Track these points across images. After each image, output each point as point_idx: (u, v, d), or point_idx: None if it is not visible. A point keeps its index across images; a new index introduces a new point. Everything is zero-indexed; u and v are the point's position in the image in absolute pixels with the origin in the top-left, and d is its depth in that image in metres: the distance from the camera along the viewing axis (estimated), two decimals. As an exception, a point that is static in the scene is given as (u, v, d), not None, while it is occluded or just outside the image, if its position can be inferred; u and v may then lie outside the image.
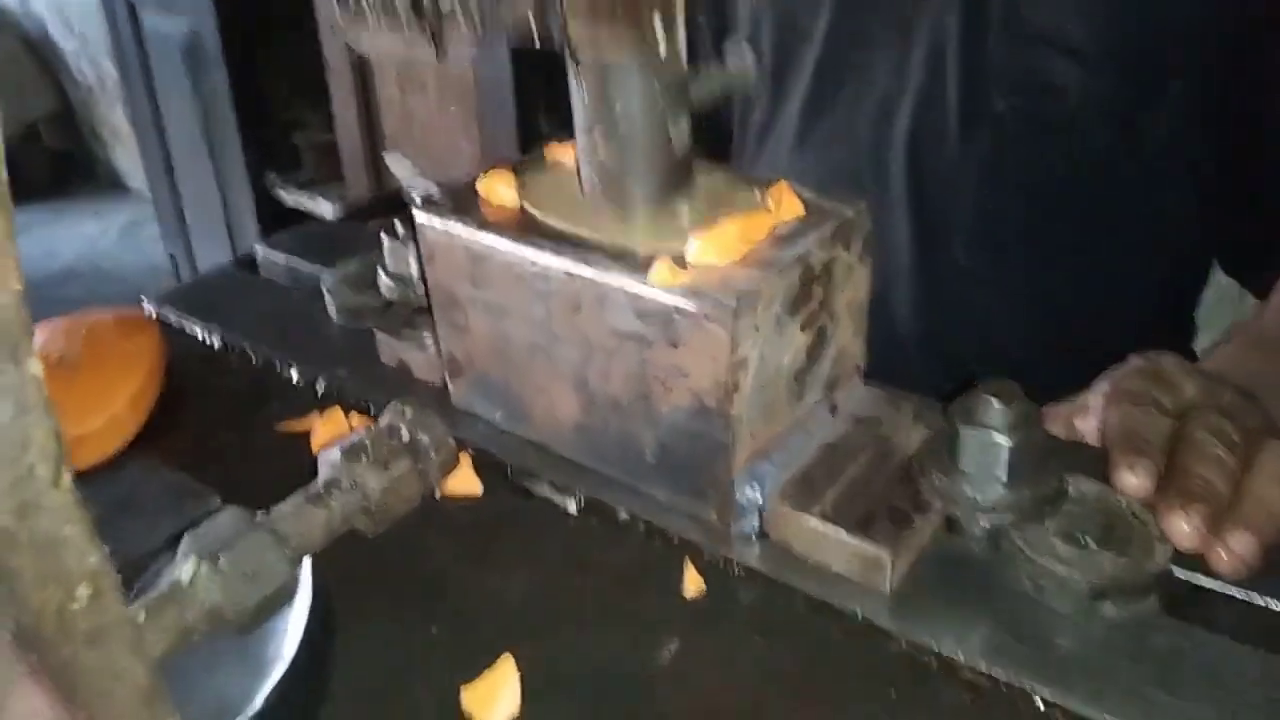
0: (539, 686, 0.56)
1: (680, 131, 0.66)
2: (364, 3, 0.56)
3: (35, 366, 0.27)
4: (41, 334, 0.82)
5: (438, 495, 0.66)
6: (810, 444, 0.69)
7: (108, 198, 4.49)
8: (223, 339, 0.91)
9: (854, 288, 0.71)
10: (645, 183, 0.67)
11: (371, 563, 0.64)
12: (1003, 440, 0.61)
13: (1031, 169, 0.94)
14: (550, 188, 0.73)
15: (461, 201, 0.73)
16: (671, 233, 0.66)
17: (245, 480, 0.75)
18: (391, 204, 0.85)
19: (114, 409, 0.78)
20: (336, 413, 0.78)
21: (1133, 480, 0.63)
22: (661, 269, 0.61)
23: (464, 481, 0.72)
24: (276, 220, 2.98)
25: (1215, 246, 1.03)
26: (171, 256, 3.55)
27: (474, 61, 2.35)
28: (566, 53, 0.63)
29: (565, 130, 0.71)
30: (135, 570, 0.61)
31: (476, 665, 0.57)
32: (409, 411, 0.59)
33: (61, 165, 4.56)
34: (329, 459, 0.56)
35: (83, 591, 0.31)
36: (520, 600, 0.64)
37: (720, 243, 0.63)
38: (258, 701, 0.53)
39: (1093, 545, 0.61)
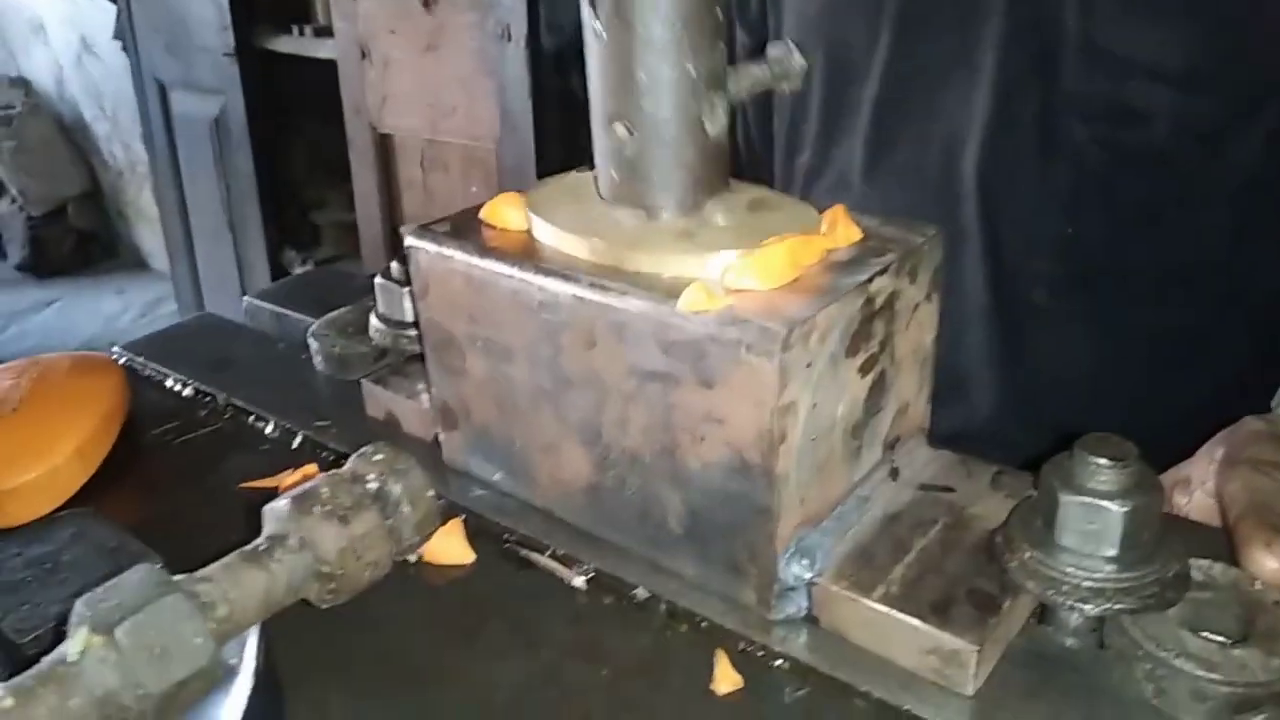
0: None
1: (716, 121, 0.56)
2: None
3: None
4: (-14, 375, 0.73)
5: (413, 559, 0.54)
6: (869, 513, 0.58)
7: (131, 277, 4.47)
8: (195, 388, 0.81)
9: (919, 328, 0.60)
10: (674, 179, 0.58)
11: (333, 645, 0.54)
12: (1114, 508, 0.49)
13: (1117, 200, 0.85)
14: (563, 196, 0.63)
15: (461, 227, 0.64)
16: (705, 242, 0.56)
17: (197, 543, 0.63)
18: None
19: (55, 460, 0.68)
20: (311, 469, 0.68)
21: (1272, 563, 0.51)
22: (695, 292, 0.51)
23: (453, 549, 0.61)
24: (292, 298, 2.92)
25: None
26: (187, 335, 3.50)
27: (497, 141, 2.31)
28: (590, 24, 0.54)
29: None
30: (40, 644, 0.50)
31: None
32: (380, 455, 0.48)
33: (87, 244, 4.56)
34: (274, 511, 0.45)
35: None
36: (514, 694, 0.54)
37: (765, 265, 0.53)
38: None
39: (1230, 641, 0.49)
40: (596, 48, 0.56)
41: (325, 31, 2.73)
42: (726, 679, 0.53)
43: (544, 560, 0.61)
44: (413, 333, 0.75)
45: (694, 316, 0.51)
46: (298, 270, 3.08)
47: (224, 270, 3.31)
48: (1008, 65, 0.83)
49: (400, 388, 0.74)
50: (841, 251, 0.57)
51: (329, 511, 0.44)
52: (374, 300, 0.80)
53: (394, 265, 0.79)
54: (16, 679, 0.38)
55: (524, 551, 0.62)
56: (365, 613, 0.54)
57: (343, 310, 0.85)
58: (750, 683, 0.53)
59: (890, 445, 0.61)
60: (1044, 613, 0.54)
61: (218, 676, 0.41)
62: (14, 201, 4.46)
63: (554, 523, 0.63)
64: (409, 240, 0.63)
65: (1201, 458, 0.71)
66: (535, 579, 0.61)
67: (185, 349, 0.88)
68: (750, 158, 1.05)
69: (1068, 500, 0.50)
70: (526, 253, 0.59)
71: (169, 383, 0.83)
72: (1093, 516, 0.50)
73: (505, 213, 0.63)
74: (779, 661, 0.54)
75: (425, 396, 0.72)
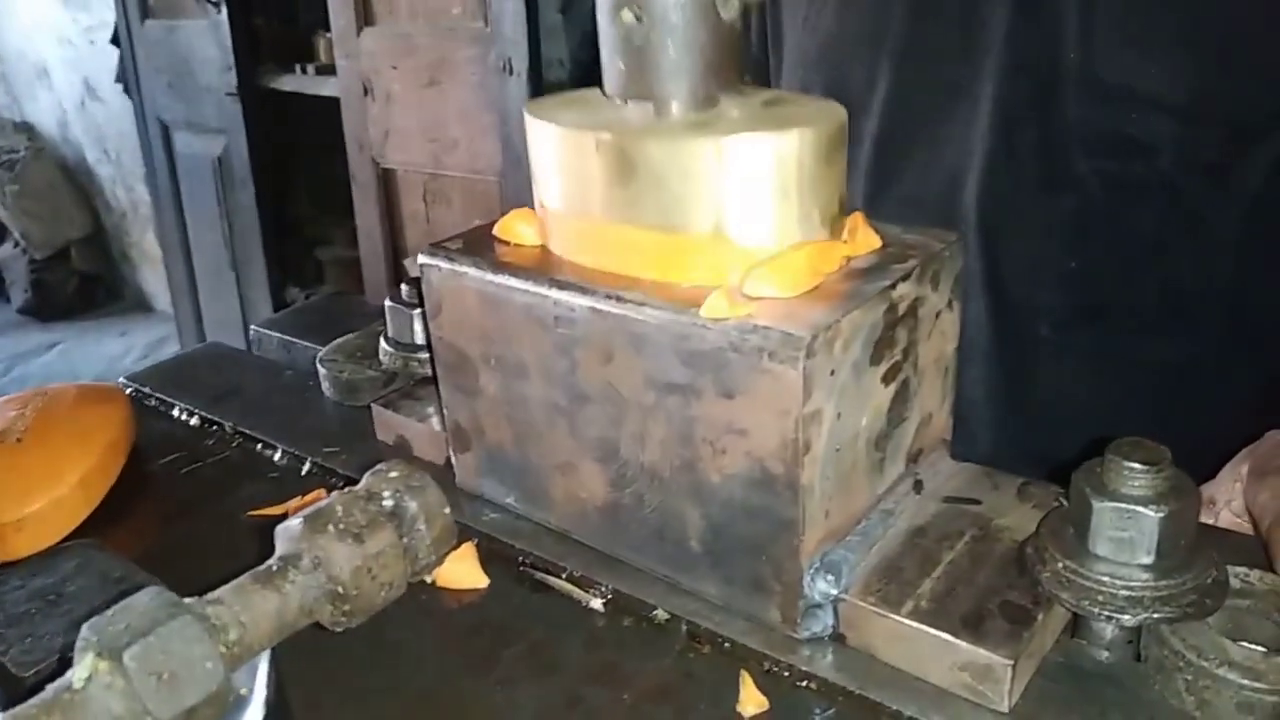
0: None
1: (729, 6, 0.54)
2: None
3: None
4: (-8, 406, 0.72)
5: (428, 581, 0.53)
6: (894, 527, 0.56)
7: (134, 318, 4.48)
8: (201, 417, 0.80)
9: (941, 337, 0.59)
10: (685, 66, 0.54)
11: (345, 673, 0.53)
12: (1149, 513, 0.48)
13: (1119, 231, 0.84)
14: (566, 104, 0.61)
15: (474, 244, 0.63)
16: (720, 129, 0.53)
17: (205, 573, 0.62)
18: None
19: (59, 490, 0.67)
20: (321, 497, 0.66)
21: None
22: (717, 299, 0.50)
23: (467, 574, 0.59)
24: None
25: None
26: (190, 374, 3.49)
27: (499, 174, 2.32)
28: None
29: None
30: (44, 676, 0.48)
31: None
32: (395, 472, 0.46)
33: (90, 286, 4.57)
34: (287, 530, 0.44)
35: None
36: (533, 720, 0.50)
37: (785, 271, 0.52)
38: None
39: (1272, 650, 0.47)
40: None
41: (328, 70, 2.75)
42: (752, 701, 0.51)
43: (560, 583, 0.59)
44: (423, 356, 0.74)
45: (714, 325, 0.50)
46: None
47: (227, 309, 3.31)
48: (1008, 98, 0.83)
49: (411, 411, 0.73)
50: (862, 258, 0.56)
51: (343, 530, 0.43)
52: (383, 325, 0.79)
53: (403, 288, 0.78)
54: (19, 707, 0.36)
55: (539, 574, 0.61)
56: (379, 639, 0.53)
57: (350, 336, 0.84)
58: (776, 704, 0.51)
59: (914, 457, 0.59)
60: (1078, 624, 0.52)
61: (228, 702, 0.40)
62: (17, 245, 4.47)
63: (570, 544, 0.62)
64: (422, 259, 0.62)
65: (1225, 477, 0.69)
66: (551, 602, 0.59)
67: (192, 378, 0.86)
68: None
69: (1101, 506, 0.49)
70: (541, 267, 0.58)
71: (175, 412, 0.82)
72: (1127, 523, 0.48)
73: (518, 228, 0.62)
74: (805, 682, 0.52)
75: (436, 419, 0.71)
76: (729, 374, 0.50)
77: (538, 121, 0.58)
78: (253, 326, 0.97)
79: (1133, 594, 0.48)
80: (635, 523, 0.58)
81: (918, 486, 0.59)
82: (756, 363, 0.49)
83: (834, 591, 0.52)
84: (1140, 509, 0.48)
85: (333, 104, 2.69)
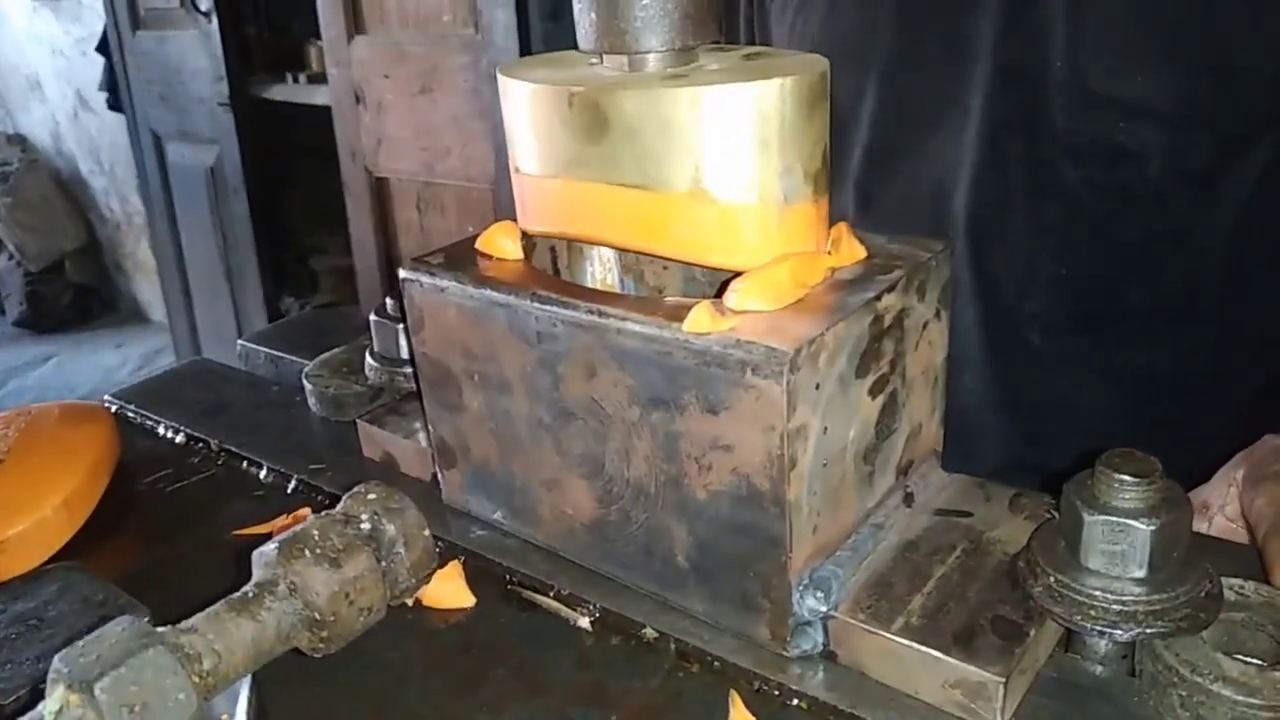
0: None
1: None
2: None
3: None
4: (-27, 426, 0.71)
5: (410, 604, 0.52)
6: (885, 541, 0.55)
7: (129, 329, 4.47)
8: (187, 435, 0.79)
9: (929, 347, 0.58)
10: (660, 17, 0.53)
11: (329, 696, 0.52)
12: (1141, 526, 0.47)
13: (1109, 240, 0.83)
14: (539, 64, 0.60)
15: (456, 257, 0.62)
16: (698, 80, 0.52)
17: (189, 594, 0.61)
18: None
19: (42, 512, 0.66)
20: (305, 515, 0.65)
21: None
22: (700, 314, 0.49)
23: (453, 593, 0.58)
24: (290, 345, 2.92)
25: None
26: (186, 385, 3.48)
27: (492, 182, 2.31)
28: None
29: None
30: (23, 703, 0.47)
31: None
32: (373, 494, 0.46)
33: (84, 298, 4.56)
34: (263, 555, 0.43)
35: None
36: (519, 743, 0.50)
37: (768, 284, 0.51)
38: None
39: (1268, 664, 0.46)
40: None
41: (319, 78, 2.74)
42: (742, 720, 0.50)
43: (548, 601, 0.59)
44: (408, 371, 0.74)
45: (697, 339, 0.49)
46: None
47: (222, 319, 3.30)
48: (996, 107, 0.83)
49: (397, 427, 0.72)
50: (847, 270, 0.55)
51: (320, 554, 0.42)
52: (369, 339, 0.78)
53: (388, 302, 0.77)
54: (-11, 742, 0.36)
55: (526, 593, 0.60)
56: (362, 660, 0.52)
57: (337, 351, 0.83)
58: (766, 723, 0.50)
59: (904, 470, 0.59)
60: (1071, 639, 0.51)
61: (204, 733, 0.39)
62: (11, 258, 4.46)
63: (557, 562, 0.61)
64: (403, 273, 0.62)
65: (1219, 481, 0.68)
66: (539, 621, 0.58)
67: (177, 395, 0.86)
68: None
69: (1092, 520, 0.48)
70: (523, 281, 0.57)
71: (161, 430, 0.81)
72: (1118, 536, 0.48)
73: (501, 242, 0.62)
74: (796, 700, 0.51)
75: (422, 435, 0.70)
76: (713, 389, 0.49)
77: (510, 80, 0.57)
78: (240, 341, 0.97)
79: (1126, 608, 0.47)
80: (622, 539, 0.57)
81: (908, 499, 0.58)
82: (740, 378, 0.48)
83: (823, 609, 0.51)
84: (1131, 522, 0.47)
85: (325, 112, 2.69)
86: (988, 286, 0.87)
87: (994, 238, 0.86)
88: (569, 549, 0.61)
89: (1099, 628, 0.47)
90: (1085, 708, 0.49)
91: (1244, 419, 0.76)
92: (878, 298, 0.52)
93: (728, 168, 0.51)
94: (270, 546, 0.43)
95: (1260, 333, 0.88)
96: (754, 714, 0.50)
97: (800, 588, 0.52)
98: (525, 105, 0.57)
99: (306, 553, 0.42)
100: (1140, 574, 0.48)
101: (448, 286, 0.59)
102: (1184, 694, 0.47)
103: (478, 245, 0.63)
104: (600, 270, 0.69)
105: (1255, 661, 0.47)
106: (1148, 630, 0.47)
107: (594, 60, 0.58)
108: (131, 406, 0.84)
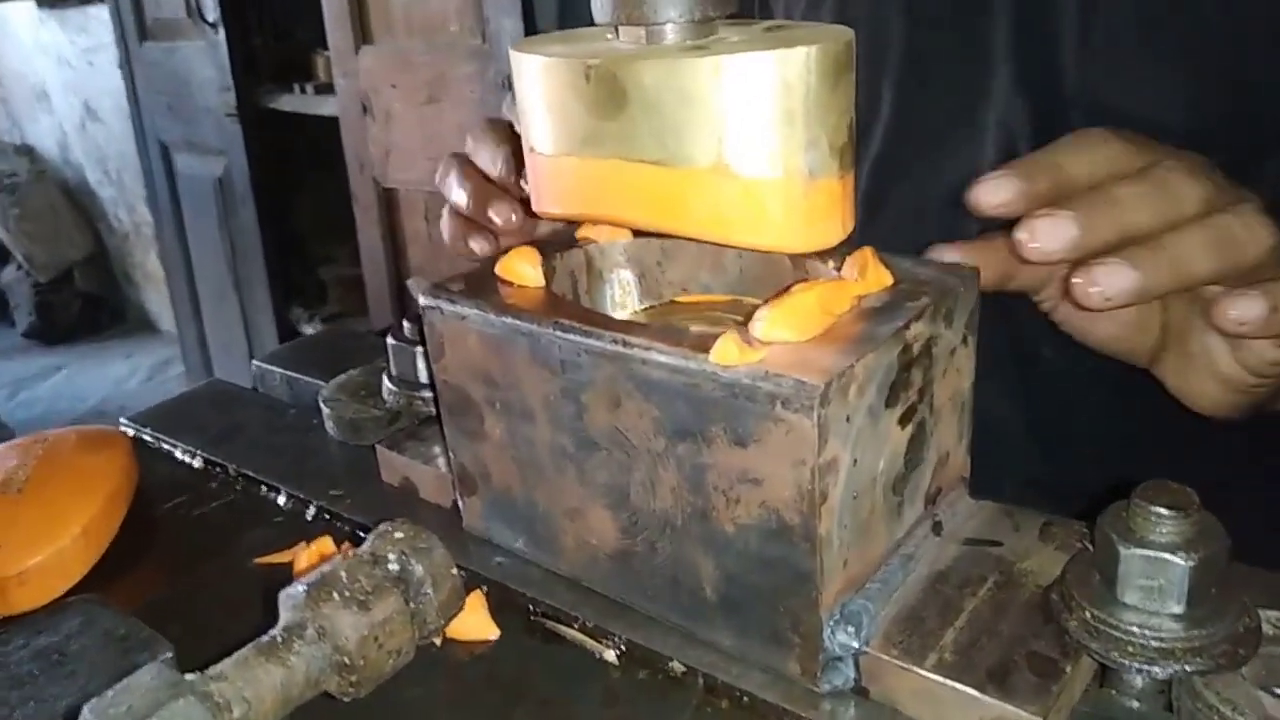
0: None
1: None
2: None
3: None
4: (-7, 455, 0.70)
5: (438, 644, 0.51)
6: (914, 573, 0.55)
7: (138, 340, 4.48)
8: (205, 460, 0.79)
9: (957, 374, 0.57)
10: None
11: (354, 733, 0.50)
12: (1179, 561, 0.46)
13: None
14: (553, 40, 0.59)
15: (477, 284, 0.61)
16: (719, 50, 0.51)
17: (211, 624, 0.61)
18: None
19: (62, 541, 0.65)
20: (325, 542, 0.65)
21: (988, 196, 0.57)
22: (726, 344, 0.48)
23: (476, 625, 0.58)
24: (300, 355, 2.92)
25: None
26: (195, 395, 3.49)
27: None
28: None
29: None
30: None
31: None
32: (400, 533, 0.45)
33: (94, 309, 4.57)
34: (290, 598, 0.42)
35: None
36: (546, 782, 0.49)
37: (796, 314, 0.50)
38: None
39: (1312, 703, 0.45)
40: None
41: (326, 88, 2.75)
42: (772, 756, 0.50)
43: (573, 633, 0.58)
44: (427, 394, 0.73)
45: (725, 371, 0.48)
46: (304, 327, 3.07)
47: (231, 329, 3.31)
48: (1009, 121, 0.82)
49: (416, 452, 0.71)
50: (873, 297, 0.54)
51: (348, 597, 0.42)
52: (385, 361, 0.78)
53: (405, 324, 0.77)
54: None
55: (551, 624, 0.59)
56: (384, 698, 0.51)
57: (353, 373, 0.82)
58: (798, 760, 0.50)
59: (932, 498, 0.58)
60: (1106, 674, 0.50)
61: (234, 782, 0.38)
62: (20, 268, 4.47)
63: (581, 592, 0.60)
64: (424, 301, 0.61)
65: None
66: (564, 654, 0.58)
67: (194, 418, 0.85)
68: None
69: (1129, 554, 0.47)
70: (546, 310, 0.57)
71: (179, 454, 0.81)
72: (1155, 571, 0.47)
73: (520, 268, 0.61)
74: (827, 736, 0.51)
75: (442, 461, 0.69)
76: (741, 422, 0.49)
77: (524, 56, 0.56)
78: (254, 362, 0.96)
79: (1164, 644, 0.46)
80: (648, 571, 0.56)
81: (937, 528, 0.57)
82: (769, 411, 0.47)
83: (855, 644, 0.51)
84: (1169, 556, 0.46)
85: (332, 122, 2.69)
86: (1004, 302, 0.86)
87: None
88: (593, 579, 0.60)
89: (1137, 664, 0.47)
90: (1122, 745, 0.48)
91: (1262, 434, 0.75)
92: (906, 326, 0.52)
93: (751, 141, 0.50)
94: (298, 588, 0.42)
95: None
96: (785, 751, 0.50)
97: (831, 623, 0.51)
98: (539, 80, 0.56)
99: (335, 595, 0.42)
100: (1178, 610, 0.47)
101: (469, 315, 0.59)
102: (1224, 732, 0.46)
103: (497, 270, 0.62)
104: (620, 294, 0.68)
105: (1299, 700, 0.46)
106: (1186, 668, 0.46)
107: (609, 34, 0.57)
108: (148, 430, 0.83)
